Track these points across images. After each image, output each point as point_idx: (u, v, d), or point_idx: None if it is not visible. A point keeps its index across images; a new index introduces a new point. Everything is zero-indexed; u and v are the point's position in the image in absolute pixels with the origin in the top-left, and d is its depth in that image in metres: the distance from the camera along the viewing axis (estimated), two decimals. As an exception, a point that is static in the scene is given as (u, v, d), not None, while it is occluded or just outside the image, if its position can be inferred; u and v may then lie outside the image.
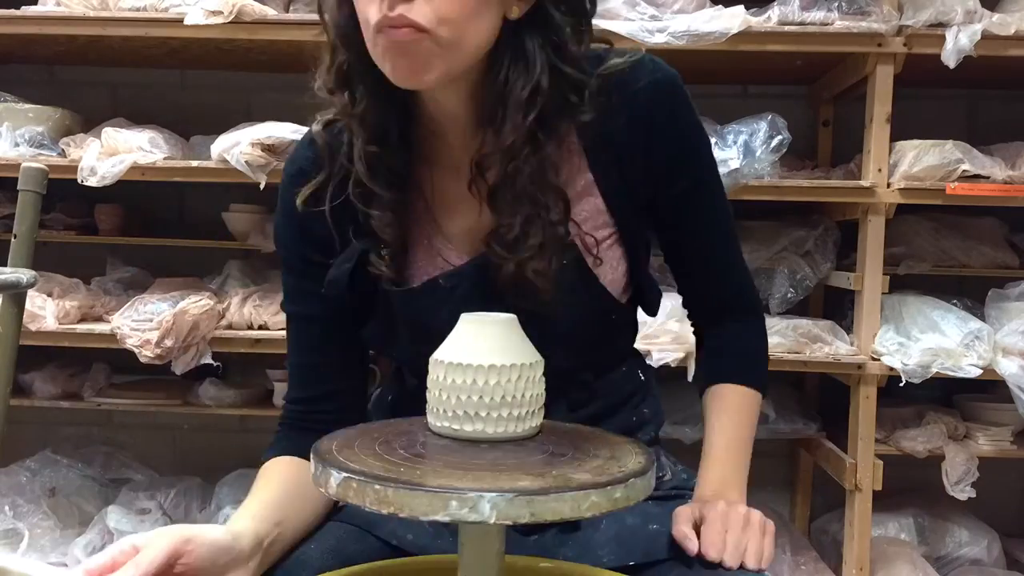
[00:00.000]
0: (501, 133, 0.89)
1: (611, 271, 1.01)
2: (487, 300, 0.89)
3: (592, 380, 1.07)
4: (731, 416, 1.06)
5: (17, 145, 2.23)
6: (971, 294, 2.27)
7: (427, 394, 0.79)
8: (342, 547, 1.03)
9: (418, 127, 0.97)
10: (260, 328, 2.20)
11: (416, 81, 0.87)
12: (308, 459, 0.74)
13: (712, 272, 1.08)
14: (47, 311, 2.17)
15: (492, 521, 0.65)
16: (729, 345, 1.11)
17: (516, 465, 0.72)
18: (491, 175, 0.92)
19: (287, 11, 2.29)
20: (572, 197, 0.95)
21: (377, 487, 0.66)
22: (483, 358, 0.76)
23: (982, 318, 2.15)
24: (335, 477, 0.69)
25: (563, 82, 0.90)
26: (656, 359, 2.04)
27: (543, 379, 0.79)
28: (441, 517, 0.65)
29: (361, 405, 1.12)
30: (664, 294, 2.32)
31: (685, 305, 1.15)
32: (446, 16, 0.82)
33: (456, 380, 0.76)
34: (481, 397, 0.76)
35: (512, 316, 0.80)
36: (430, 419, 0.80)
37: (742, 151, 2.06)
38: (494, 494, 0.65)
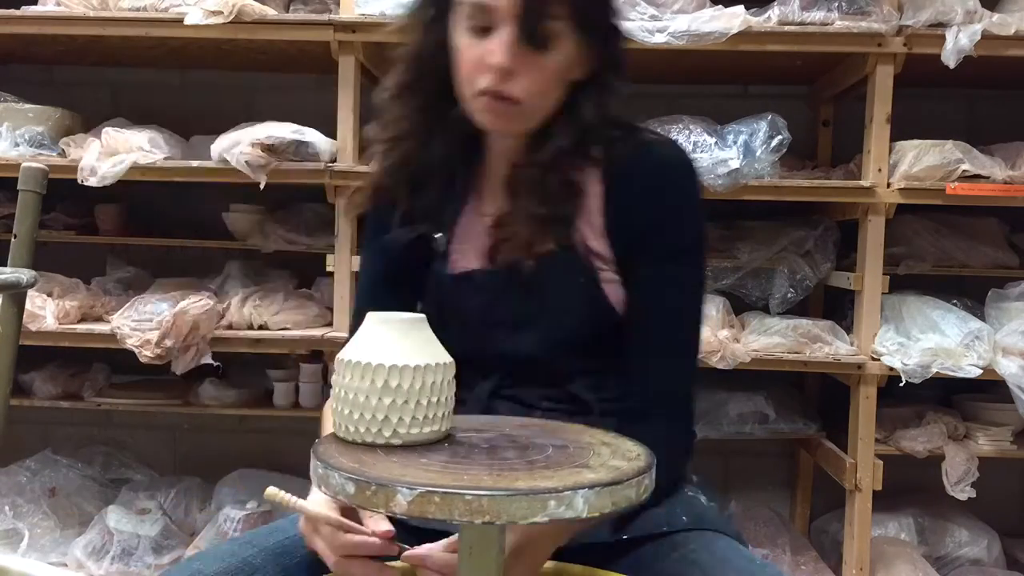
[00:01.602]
0: (540, 153, 1.07)
1: (613, 293, 1.07)
2: (512, 299, 1.07)
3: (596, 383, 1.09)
4: None
5: (17, 145, 2.23)
6: (971, 294, 2.27)
7: (333, 396, 0.80)
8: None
9: (480, 145, 1.14)
10: (260, 328, 2.20)
11: (502, 132, 1.08)
12: None
13: (653, 355, 1.07)
14: (47, 311, 2.17)
15: (584, 515, 0.66)
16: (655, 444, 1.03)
17: (551, 462, 0.73)
18: (522, 179, 1.08)
19: (287, 11, 2.29)
20: (584, 227, 1.08)
21: (468, 498, 0.64)
22: (390, 358, 0.77)
23: (982, 318, 2.15)
24: (405, 494, 0.64)
25: (598, 133, 1.08)
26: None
27: (452, 382, 0.81)
28: (539, 518, 0.65)
29: None
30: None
31: (621, 392, 1.10)
32: (535, 91, 1.02)
33: (363, 381, 0.77)
34: (394, 400, 0.77)
35: (421, 316, 0.82)
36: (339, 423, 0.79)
37: (742, 151, 2.06)
38: (585, 490, 0.66)
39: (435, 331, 0.92)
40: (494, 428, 0.84)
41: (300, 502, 0.88)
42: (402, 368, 0.77)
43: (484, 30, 1.01)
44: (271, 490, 0.88)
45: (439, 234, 1.12)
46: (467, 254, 1.12)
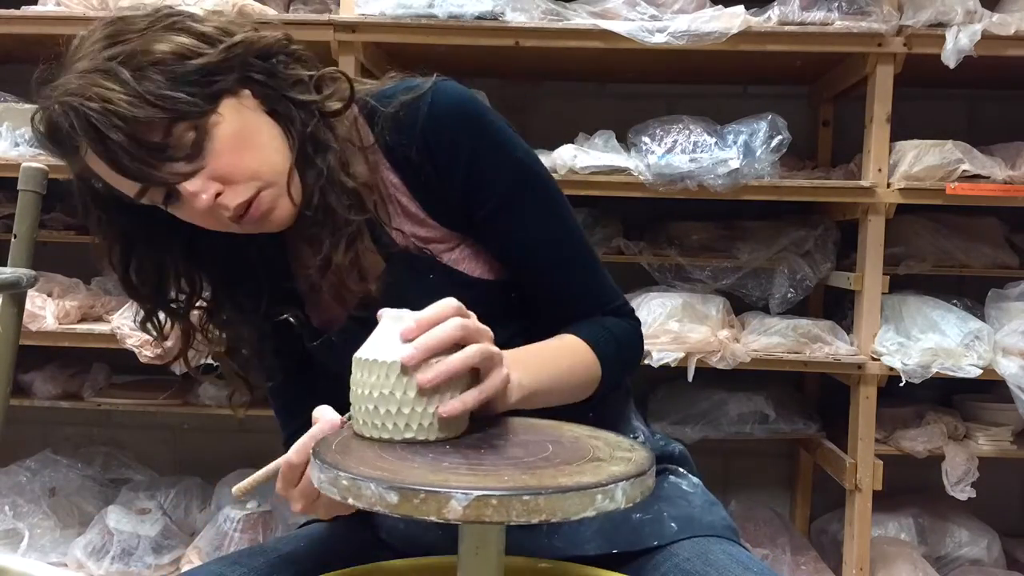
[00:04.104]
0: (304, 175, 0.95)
1: (471, 264, 1.00)
2: None
3: None
4: (559, 345, 0.96)
5: (17, 145, 2.23)
6: (971, 294, 2.27)
7: (351, 396, 0.80)
8: (335, 543, 1.05)
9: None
10: (260, 328, 2.20)
11: (284, 223, 0.95)
12: None
13: (564, 285, 1.01)
14: (47, 311, 2.17)
15: (623, 506, 0.67)
16: (604, 331, 1.01)
17: (565, 458, 0.74)
18: (300, 228, 0.97)
19: (287, 11, 2.29)
20: (394, 214, 0.99)
21: (526, 498, 0.64)
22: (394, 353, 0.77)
23: (982, 318, 2.15)
24: (460, 499, 0.63)
25: (306, 113, 0.95)
26: (656, 359, 2.04)
27: (467, 375, 0.79)
28: (588, 513, 0.66)
29: None
30: (663, 294, 2.31)
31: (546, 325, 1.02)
32: (253, 172, 0.91)
33: (373, 378, 0.77)
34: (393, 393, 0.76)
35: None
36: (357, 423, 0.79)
37: (742, 151, 2.06)
38: (624, 482, 0.67)
39: (337, 396, 0.86)
40: (472, 427, 0.83)
41: (263, 470, 0.84)
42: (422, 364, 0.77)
43: (167, 198, 0.92)
44: (237, 489, 0.84)
45: (286, 316, 1.04)
46: (325, 312, 1.05)
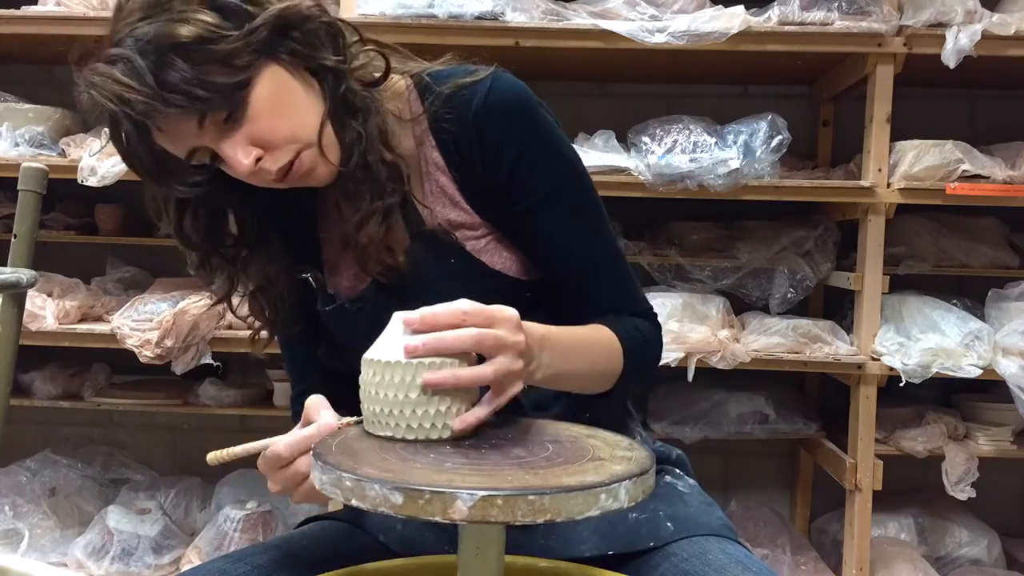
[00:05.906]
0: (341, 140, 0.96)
1: (496, 258, 1.01)
2: (394, 310, 0.91)
3: None
4: (589, 331, 0.98)
5: (17, 145, 2.23)
6: (971, 294, 2.27)
7: (360, 394, 0.80)
8: (334, 543, 1.04)
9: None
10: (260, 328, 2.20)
11: (326, 180, 0.97)
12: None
13: (593, 283, 1.03)
14: (47, 311, 2.17)
15: (626, 505, 0.68)
16: (617, 320, 1.02)
17: (567, 458, 0.74)
18: (339, 185, 0.98)
19: (287, 11, 2.29)
20: (428, 192, 1.01)
21: (531, 498, 0.64)
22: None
23: (982, 318, 2.15)
24: (465, 499, 0.63)
25: (348, 90, 0.95)
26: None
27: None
28: (592, 512, 0.66)
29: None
30: (663, 294, 2.31)
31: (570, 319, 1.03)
32: (290, 135, 0.91)
33: (384, 378, 0.77)
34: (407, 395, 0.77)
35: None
36: (368, 423, 0.80)
37: (742, 151, 2.06)
38: (627, 481, 0.68)
39: (340, 364, 0.87)
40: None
41: (244, 446, 0.85)
42: (441, 364, 0.77)
43: (214, 158, 0.93)
44: (212, 455, 0.84)
45: (306, 274, 1.05)
46: (344, 281, 1.06)
